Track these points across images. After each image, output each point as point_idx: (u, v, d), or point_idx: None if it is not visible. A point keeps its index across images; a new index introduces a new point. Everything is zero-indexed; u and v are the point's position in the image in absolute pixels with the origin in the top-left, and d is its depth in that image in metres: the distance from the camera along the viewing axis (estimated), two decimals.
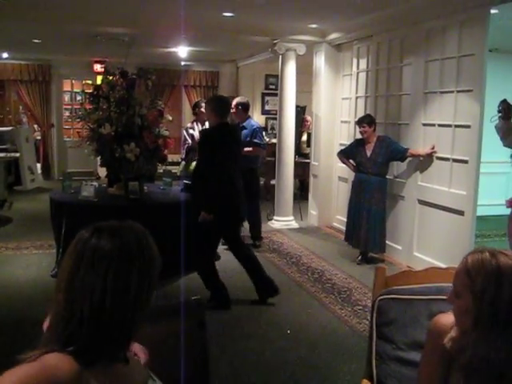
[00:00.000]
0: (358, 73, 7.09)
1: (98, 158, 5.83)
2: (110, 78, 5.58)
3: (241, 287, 5.12)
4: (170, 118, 5.83)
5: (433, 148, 5.52)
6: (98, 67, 11.57)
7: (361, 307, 4.68)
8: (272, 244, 6.84)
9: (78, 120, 5.76)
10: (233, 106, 6.63)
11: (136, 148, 5.22)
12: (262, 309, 4.65)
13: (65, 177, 5.88)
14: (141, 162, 5.37)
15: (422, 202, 5.73)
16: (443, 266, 4.27)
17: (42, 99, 11.90)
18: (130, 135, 5.45)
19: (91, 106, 5.51)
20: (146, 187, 5.67)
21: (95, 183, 5.77)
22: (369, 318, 2.14)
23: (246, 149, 6.30)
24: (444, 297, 1.66)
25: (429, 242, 5.63)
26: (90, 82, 10.24)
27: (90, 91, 5.64)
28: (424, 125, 5.69)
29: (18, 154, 9.87)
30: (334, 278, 5.48)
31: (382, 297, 2.07)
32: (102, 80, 5.62)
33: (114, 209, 5.19)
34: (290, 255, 6.35)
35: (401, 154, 5.75)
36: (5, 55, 11.12)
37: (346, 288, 5.19)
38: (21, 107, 12.82)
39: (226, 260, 5.64)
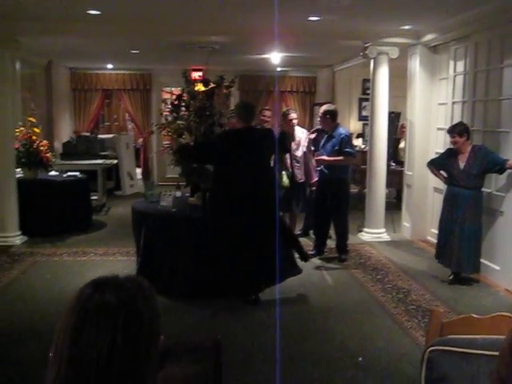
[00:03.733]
0: (454, 76, 6.53)
1: None
2: (193, 86, 5.57)
3: (315, 307, 4.89)
4: None
5: None
6: (196, 75, 11.75)
7: None
8: (359, 258, 6.48)
9: (160, 129, 5.79)
10: (320, 114, 6.40)
11: None
12: (335, 330, 4.36)
13: (147, 186, 5.95)
14: None
15: None
16: None
17: (143, 107, 12.32)
18: None
19: (171, 115, 5.52)
20: None
21: (176, 192, 5.78)
22: None
23: (335, 158, 6.09)
24: None
25: None
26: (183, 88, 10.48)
27: (173, 99, 5.66)
28: None
29: (116, 161, 10.18)
30: (419, 300, 5.05)
31: (433, 347, 1.75)
32: (183, 89, 5.61)
33: (190, 220, 5.13)
34: (376, 271, 5.97)
35: (499, 166, 5.19)
36: (109, 66, 11.63)
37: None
38: (127, 115, 13.36)
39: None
